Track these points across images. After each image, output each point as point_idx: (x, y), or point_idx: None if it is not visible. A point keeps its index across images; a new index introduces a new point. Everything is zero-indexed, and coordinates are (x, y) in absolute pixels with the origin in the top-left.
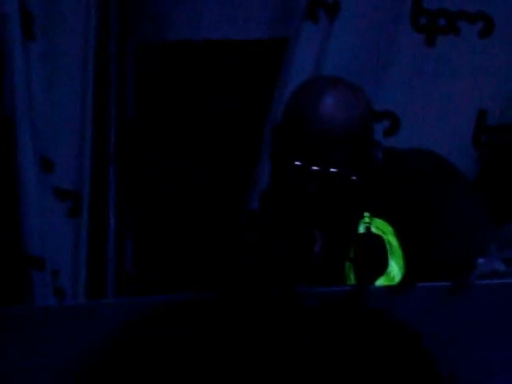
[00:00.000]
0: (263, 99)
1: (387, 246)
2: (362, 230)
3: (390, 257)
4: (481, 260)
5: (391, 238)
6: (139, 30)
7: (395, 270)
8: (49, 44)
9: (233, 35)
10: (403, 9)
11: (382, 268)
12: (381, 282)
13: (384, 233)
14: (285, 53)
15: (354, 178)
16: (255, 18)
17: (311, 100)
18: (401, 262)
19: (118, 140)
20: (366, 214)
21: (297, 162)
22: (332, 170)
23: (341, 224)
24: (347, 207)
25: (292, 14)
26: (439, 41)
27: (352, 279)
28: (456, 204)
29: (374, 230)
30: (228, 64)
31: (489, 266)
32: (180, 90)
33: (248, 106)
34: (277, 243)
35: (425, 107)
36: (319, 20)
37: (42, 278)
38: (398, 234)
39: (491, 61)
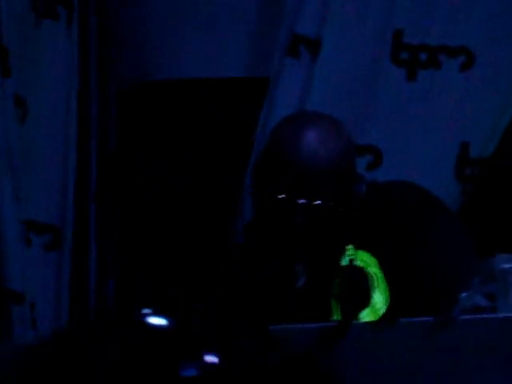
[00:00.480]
0: (245, 138)
1: (371, 279)
2: (345, 262)
3: (373, 289)
4: (463, 295)
5: (375, 270)
6: (123, 68)
7: (380, 303)
8: (26, 81)
9: (213, 74)
10: (384, 44)
11: (366, 301)
12: (365, 314)
13: (367, 265)
14: (266, 90)
15: (337, 209)
16: (236, 57)
17: (294, 134)
18: (386, 293)
19: (99, 175)
20: (350, 246)
21: (281, 196)
22: (316, 202)
23: (325, 257)
24: (331, 239)
25: (272, 53)
26: (420, 75)
27: (336, 312)
28: (440, 236)
29: (357, 262)
30: (209, 103)
31: (471, 301)
32: (162, 128)
33: (230, 144)
34: (259, 277)
35: (407, 141)
36: (301, 57)
37: (21, 313)
38: (383, 266)
39: (472, 93)
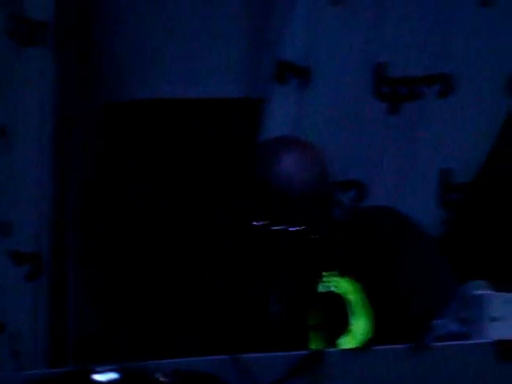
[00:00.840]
0: (229, 158)
1: (350, 305)
2: (322, 289)
3: (353, 316)
4: (437, 321)
5: (355, 296)
6: (106, 89)
7: (361, 329)
8: (6, 108)
9: (201, 94)
10: (366, 78)
11: (344, 328)
12: (345, 341)
13: (347, 291)
14: (250, 111)
15: (314, 236)
16: (225, 77)
17: (269, 161)
18: (367, 320)
19: (79, 200)
20: (327, 273)
21: (258, 222)
22: (292, 229)
23: (302, 284)
24: (308, 266)
25: (258, 75)
26: (402, 108)
27: (314, 340)
28: (417, 263)
29: (336, 289)
30: (194, 123)
31: (445, 328)
32: (148, 149)
33: (214, 165)
34: (234, 307)
35: (390, 174)
36: (290, 83)
37: (1, 343)
38: (364, 291)
39: (453, 120)
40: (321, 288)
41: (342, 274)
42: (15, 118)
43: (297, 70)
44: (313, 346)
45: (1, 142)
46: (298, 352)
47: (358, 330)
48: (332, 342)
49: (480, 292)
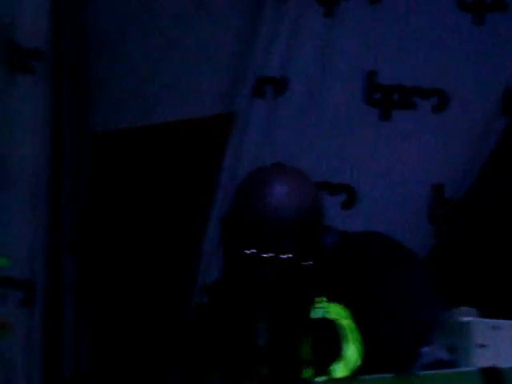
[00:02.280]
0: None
1: (343, 331)
2: (317, 315)
3: (346, 342)
4: (424, 349)
5: (347, 322)
6: (93, 119)
7: (353, 355)
8: None
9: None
10: (357, 85)
11: (337, 353)
12: (338, 367)
13: (340, 317)
14: (231, 129)
15: (305, 263)
16: (204, 96)
17: (259, 188)
18: (359, 346)
19: (73, 229)
20: (320, 299)
21: (247, 251)
22: (282, 256)
23: (293, 310)
24: (299, 293)
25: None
26: (394, 115)
27: (308, 366)
28: (405, 290)
29: (327, 315)
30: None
31: (432, 355)
32: (135, 175)
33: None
34: (221, 337)
35: (380, 180)
36: (266, 96)
37: None
38: (355, 318)
39: (446, 135)
40: (313, 314)
41: (335, 300)
42: (8, 144)
43: (273, 82)
44: (305, 375)
45: None
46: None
47: (350, 357)
48: (324, 369)
49: (467, 319)
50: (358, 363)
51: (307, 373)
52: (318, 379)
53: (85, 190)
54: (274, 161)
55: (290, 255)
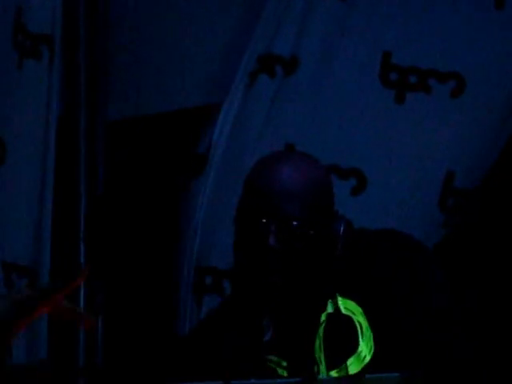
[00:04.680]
0: None
1: (357, 326)
2: (330, 310)
3: (360, 337)
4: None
5: (360, 319)
6: (109, 106)
7: (365, 351)
8: (5, 121)
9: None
10: (373, 65)
11: (353, 349)
12: (351, 362)
13: (353, 313)
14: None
15: (312, 232)
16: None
17: (271, 166)
18: (370, 342)
19: (88, 214)
20: (336, 294)
21: (258, 219)
22: (293, 223)
23: (304, 307)
24: (312, 287)
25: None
26: (409, 98)
27: (322, 360)
28: (420, 290)
29: (343, 310)
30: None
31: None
32: (150, 163)
33: None
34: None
35: (391, 165)
36: (276, 75)
37: None
38: (367, 315)
39: (461, 121)
40: (330, 308)
41: (348, 297)
42: (16, 131)
43: (283, 62)
44: (320, 369)
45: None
46: (291, 379)
47: (363, 353)
48: (337, 364)
49: None
50: (368, 361)
51: (319, 368)
52: (331, 374)
53: (101, 178)
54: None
55: (299, 224)
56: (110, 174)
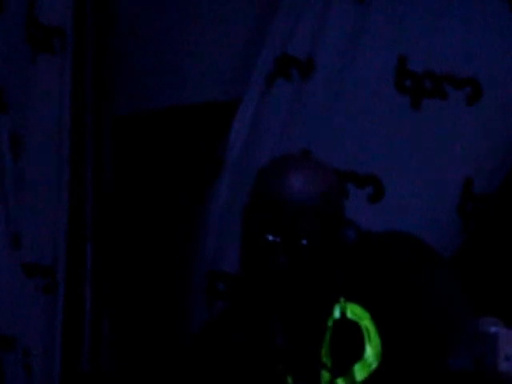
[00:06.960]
0: None
1: (363, 332)
2: (337, 315)
3: (366, 342)
4: (451, 360)
5: (367, 324)
6: (116, 101)
7: (371, 357)
8: (21, 116)
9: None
10: (387, 70)
11: (359, 354)
12: (357, 368)
13: (360, 318)
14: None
15: (324, 251)
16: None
17: (279, 173)
18: (377, 348)
19: (95, 213)
20: (342, 298)
21: (265, 236)
22: (302, 241)
23: (311, 310)
24: (319, 289)
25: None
26: (424, 104)
27: (329, 365)
28: (432, 294)
29: (349, 315)
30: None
31: (458, 366)
32: (159, 159)
33: None
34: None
35: (409, 172)
36: (292, 78)
37: (13, 359)
38: (375, 320)
39: (478, 127)
40: (336, 313)
41: (355, 301)
42: (33, 127)
43: (299, 64)
44: (324, 376)
45: (17, 151)
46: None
47: (369, 358)
48: (344, 370)
49: (494, 329)
50: (375, 366)
51: (326, 374)
52: (338, 382)
53: (109, 175)
54: (297, 148)
55: (308, 240)
56: (119, 171)
